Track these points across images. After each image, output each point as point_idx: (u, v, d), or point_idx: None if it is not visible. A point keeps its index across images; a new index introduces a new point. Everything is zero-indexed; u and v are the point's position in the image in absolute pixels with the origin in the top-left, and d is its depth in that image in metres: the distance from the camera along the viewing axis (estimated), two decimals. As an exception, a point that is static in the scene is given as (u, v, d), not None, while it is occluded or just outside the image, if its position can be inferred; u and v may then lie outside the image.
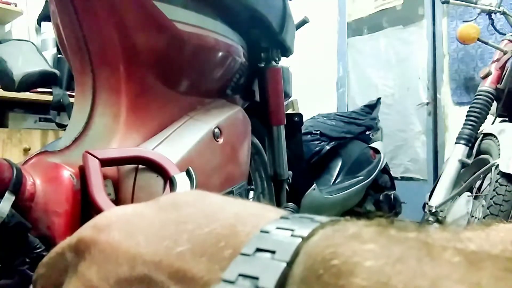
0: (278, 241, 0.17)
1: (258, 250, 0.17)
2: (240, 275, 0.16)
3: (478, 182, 1.77)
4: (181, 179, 0.44)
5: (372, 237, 0.16)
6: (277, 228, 0.18)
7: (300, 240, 0.17)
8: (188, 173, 0.44)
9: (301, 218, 0.19)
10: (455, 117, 2.76)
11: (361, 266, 0.15)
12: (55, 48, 2.28)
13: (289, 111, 2.58)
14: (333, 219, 0.18)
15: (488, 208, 1.52)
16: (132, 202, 0.58)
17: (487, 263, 0.14)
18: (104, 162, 0.51)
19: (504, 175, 1.51)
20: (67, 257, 0.22)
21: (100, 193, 0.47)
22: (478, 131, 1.86)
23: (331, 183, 1.93)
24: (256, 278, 0.16)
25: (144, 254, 0.19)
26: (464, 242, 0.16)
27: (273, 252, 0.17)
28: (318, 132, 1.99)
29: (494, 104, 1.89)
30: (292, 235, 0.17)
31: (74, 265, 0.21)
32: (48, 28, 2.29)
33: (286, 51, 1.28)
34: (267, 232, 0.18)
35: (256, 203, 0.22)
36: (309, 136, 1.98)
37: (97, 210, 0.48)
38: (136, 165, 0.59)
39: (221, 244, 0.18)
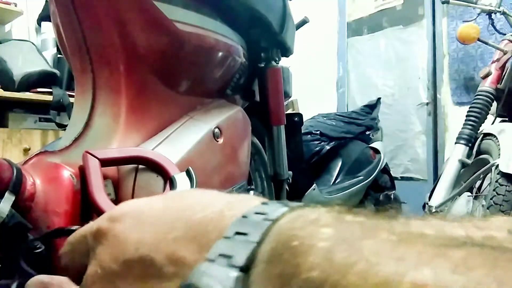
0: (253, 224, 0.20)
1: (237, 233, 0.19)
2: (220, 255, 0.19)
3: (478, 182, 1.77)
4: (181, 179, 0.44)
5: (329, 221, 0.18)
6: (255, 213, 0.20)
7: (269, 223, 0.19)
8: (188, 173, 0.44)
9: (277, 204, 0.21)
10: (455, 117, 2.76)
11: (314, 246, 0.17)
12: (55, 48, 2.28)
13: (289, 111, 2.58)
14: (301, 204, 0.21)
15: (488, 208, 1.52)
16: (132, 202, 0.58)
17: (416, 240, 0.16)
18: (104, 162, 0.51)
19: (504, 175, 1.51)
20: (88, 240, 0.26)
21: (100, 193, 0.47)
22: (478, 131, 1.86)
23: (331, 183, 1.93)
24: (231, 257, 0.18)
25: (147, 238, 0.23)
26: (404, 225, 0.18)
27: (247, 234, 0.19)
28: (318, 132, 1.99)
29: (494, 104, 1.89)
30: (264, 219, 0.20)
31: (93, 249, 0.25)
32: (48, 28, 2.29)
33: (286, 51, 1.27)
34: (246, 217, 0.20)
35: (249, 195, 0.25)
36: (309, 136, 1.98)
37: (97, 210, 0.48)
38: (136, 165, 0.59)
39: (209, 228, 0.21)
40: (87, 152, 0.53)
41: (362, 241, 0.16)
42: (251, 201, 0.22)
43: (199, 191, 0.26)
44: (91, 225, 0.26)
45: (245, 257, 0.18)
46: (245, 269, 0.18)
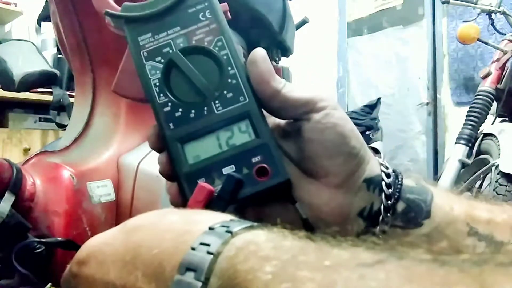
0: (198, 259, 0.21)
1: (188, 269, 0.20)
2: None
3: (478, 182, 1.77)
4: None
5: (267, 253, 0.20)
6: (200, 243, 0.21)
7: (211, 257, 0.20)
8: None
9: (222, 228, 0.22)
10: (455, 117, 2.76)
11: (254, 281, 0.18)
12: (55, 48, 2.27)
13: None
14: (244, 226, 0.22)
15: (488, 208, 1.52)
16: (132, 202, 0.58)
17: (344, 264, 0.18)
18: None
19: (504, 175, 1.51)
20: (71, 282, 0.27)
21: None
22: (478, 131, 1.86)
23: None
24: None
25: (113, 280, 0.24)
26: (336, 248, 0.20)
27: (196, 271, 0.20)
28: (318, 132, 1.99)
29: (494, 104, 1.89)
30: (207, 252, 0.21)
31: None
32: (48, 28, 2.29)
33: (286, 51, 1.27)
34: (194, 249, 0.21)
35: (208, 214, 0.25)
36: (309, 136, 1.98)
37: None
38: (136, 165, 0.60)
39: (165, 264, 0.22)
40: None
41: (297, 272, 0.18)
42: (202, 226, 0.23)
43: (156, 219, 0.26)
44: (68, 269, 0.28)
45: None
46: None
